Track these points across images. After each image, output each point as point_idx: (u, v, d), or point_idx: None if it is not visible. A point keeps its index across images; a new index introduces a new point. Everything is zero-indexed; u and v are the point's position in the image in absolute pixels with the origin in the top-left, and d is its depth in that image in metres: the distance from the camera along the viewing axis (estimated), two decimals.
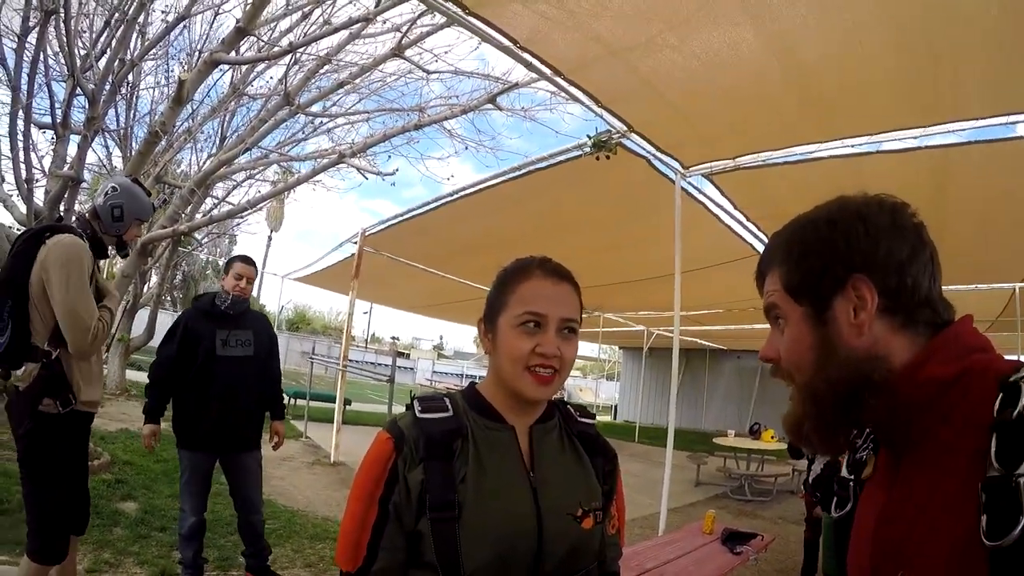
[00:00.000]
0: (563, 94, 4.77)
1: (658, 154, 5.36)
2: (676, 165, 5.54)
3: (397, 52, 5.75)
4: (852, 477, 1.06)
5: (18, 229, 5.05)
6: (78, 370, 2.73)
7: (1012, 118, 4.14)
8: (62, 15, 5.34)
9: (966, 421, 0.77)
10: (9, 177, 5.61)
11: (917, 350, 0.85)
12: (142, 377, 15.60)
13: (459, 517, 1.09)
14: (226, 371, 3.92)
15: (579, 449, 1.31)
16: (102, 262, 3.19)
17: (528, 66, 4.20)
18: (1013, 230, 5.58)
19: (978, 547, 0.69)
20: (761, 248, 6.63)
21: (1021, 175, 4.88)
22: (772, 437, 11.80)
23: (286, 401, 14.02)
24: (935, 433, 0.81)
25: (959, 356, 0.82)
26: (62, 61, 6.04)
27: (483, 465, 1.16)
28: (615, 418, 26.54)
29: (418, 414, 1.18)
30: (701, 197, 6.43)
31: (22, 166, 5.43)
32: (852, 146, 4.85)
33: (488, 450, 1.18)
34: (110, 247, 3.07)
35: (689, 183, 5.93)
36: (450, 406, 1.21)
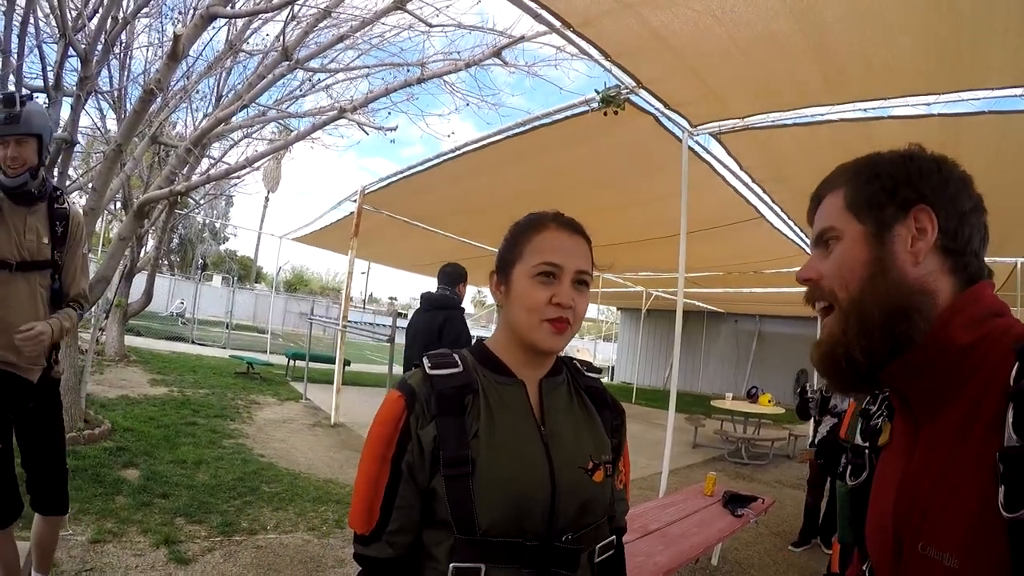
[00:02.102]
0: (570, 48, 4.65)
1: (666, 111, 5.25)
2: (684, 123, 5.44)
3: (398, 5, 5.57)
4: (867, 445, 1.04)
5: None
6: None
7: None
8: None
9: (984, 388, 0.77)
10: None
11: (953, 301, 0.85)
12: (140, 343, 15.76)
13: (473, 473, 1.07)
14: None
15: (587, 403, 1.29)
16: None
17: (536, 17, 4.09)
18: (1018, 204, 5.53)
19: (997, 518, 0.68)
20: (765, 211, 6.61)
21: None
22: (769, 401, 11.86)
23: (285, 363, 14.15)
24: (954, 399, 0.80)
25: (978, 321, 0.82)
26: (53, 23, 5.87)
27: (494, 420, 1.14)
28: (612, 379, 26.74)
29: (428, 370, 1.16)
30: (707, 156, 6.34)
31: None
32: (864, 110, 4.78)
33: (499, 404, 1.17)
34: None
35: (696, 142, 5.83)
36: (459, 361, 1.19)
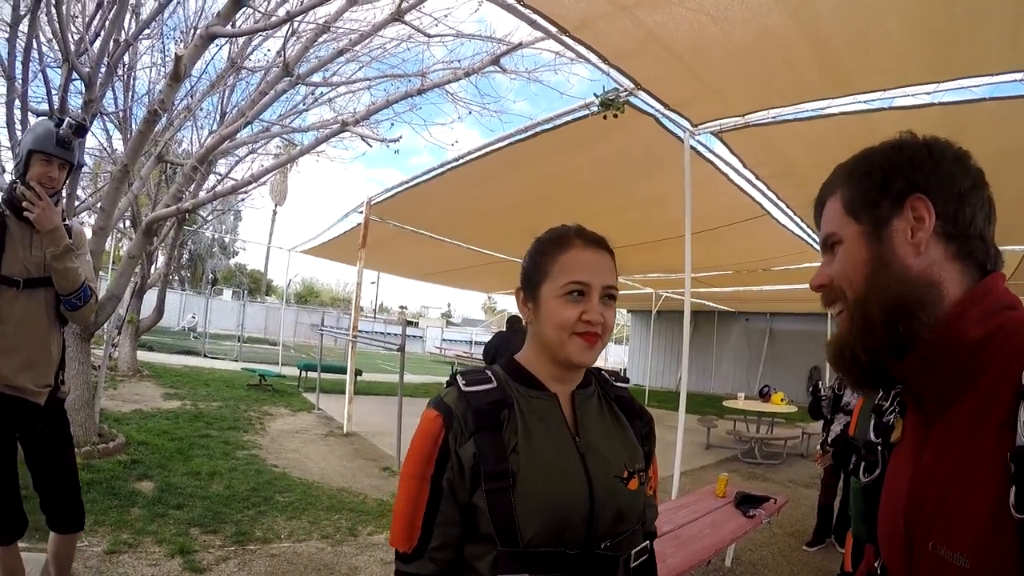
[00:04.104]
0: (569, 53, 4.67)
1: (666, 112, 5.26)
2: (685, 123, 5.44)
3: (397, 16, 5.61)
4: (880, 441, 1.03)
5: None
6: None
7: None
8: (53, 0, 5.25)
9: (996, 385, 0.75)
10: (10, 167, 5.56)
11: (964, 289, 0.83)
12: (153, 358, 15.87)
13: (514, 486, 1.09)
14: None
15: (618, 413, 1.31)
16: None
17: (532, 24, 4.11)
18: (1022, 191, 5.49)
19: (1008, 519, 0.67)
20: (771, 208, 6.57)
21: None
22: (782, 400, 11.80)
23: (297, 374, 14.20)
24: (965, 395, 0.79)
25: (990, 315, 0.80)
26: (56, 48, 5.97)
27: (531, 434, 1.16)
28: None
29: (463, 388, 1.18)
30: (710, 156, 6.34)
31: None
32: (864, 102, 4.77)
33: (534, 418, 1.18)
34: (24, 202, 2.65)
35: (698, 141, 5.83)
36: (493, 377, 1.21)
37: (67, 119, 2.79)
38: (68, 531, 2.90)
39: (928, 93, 4.42)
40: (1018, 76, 4.06)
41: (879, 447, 1.03)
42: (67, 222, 2.90)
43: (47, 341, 2.75)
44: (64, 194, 2.96)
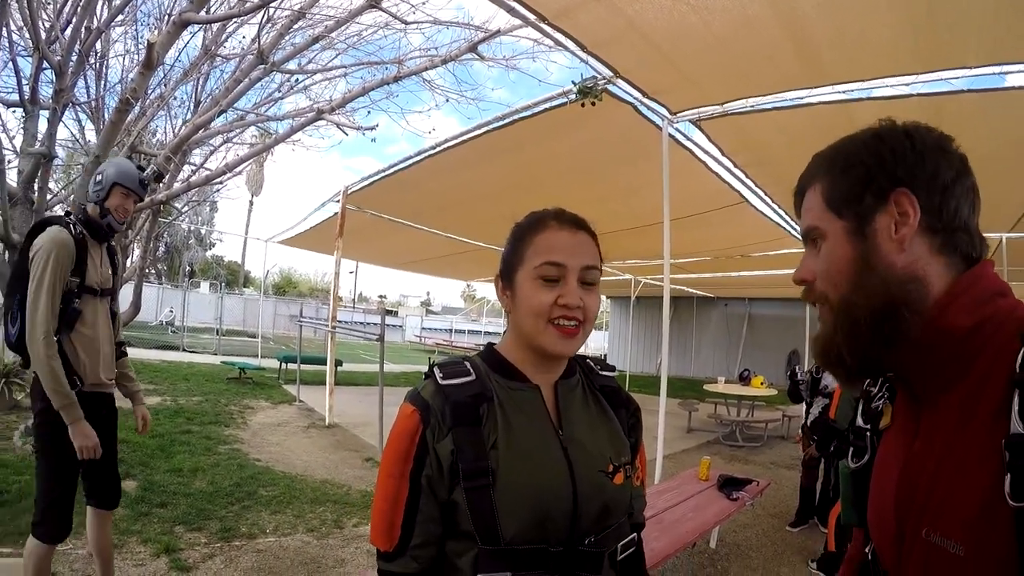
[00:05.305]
0: (548, 41, 4.64)
1: (645, 100, 5.26)
2: (663, 111, 5.45)
3: (373, 3, 5.53)
4: (868, 427, 1.03)
5: None
6: (84, 354, 2.90)
7: (1004, 68, 4.11)
8: None
9: (988, 373, 0.75)
10: None
11: (950, 281, 0.82)
12: (131, 353, 15.49)
13: (494, 483, 1.06)
14: None
15: (603, 403, 1.28)
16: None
17: (511, 11, 4.08)
18: (1001, 180, 5.57)
19: (1003, 506, 0.67)
20: (749, 195, 6.61)
21: (1010, 125, 4.86)
22: (762, 383, 11.92)
23: (277, 366, 14.07)
24: (956, 384, 0.79)
25: (980, 303, 0.80)
26: (26, 36, 5.82)
27: (512, 428, 1.12)
28: None
29: (440, 381, 1.14)
30: (688, 144, 6.35)
31: None
32: (843, 92, 4.80)
33: (515, 412, 1.15)
34: (106, 223, 3.00)
35: (676, 129, 5.84)
36: (472, 370, 1.17)
37: (151, 166, 3.22)
38: (114, 505, 3.22)
39: (907, 84, 4.47)
40: (996, 69, 4.12)
41: (868, 432, 1.03)
42: (114, 242, 3.25)
43: (112, 340, 3.18)
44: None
